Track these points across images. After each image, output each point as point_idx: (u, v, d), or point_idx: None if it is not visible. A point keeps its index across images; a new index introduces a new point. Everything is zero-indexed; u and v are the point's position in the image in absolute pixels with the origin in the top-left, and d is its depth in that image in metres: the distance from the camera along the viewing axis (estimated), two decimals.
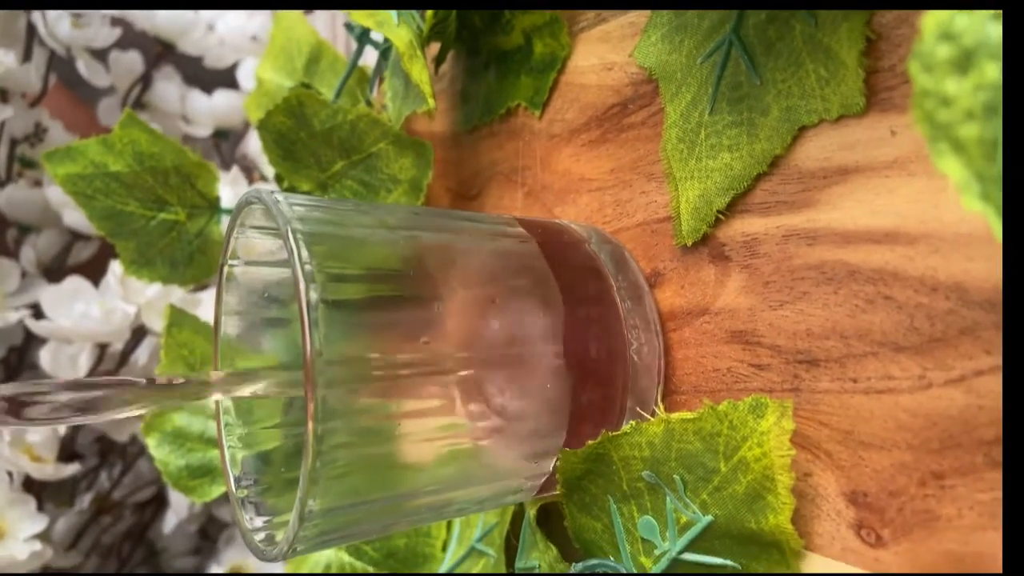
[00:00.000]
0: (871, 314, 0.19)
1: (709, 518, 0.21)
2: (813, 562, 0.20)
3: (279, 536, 0.23)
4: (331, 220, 0.21)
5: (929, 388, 0.18)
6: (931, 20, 0.12)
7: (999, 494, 0.17)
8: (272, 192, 0.21)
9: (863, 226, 0.19)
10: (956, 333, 0.17)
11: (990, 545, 0.17)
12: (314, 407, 0.18)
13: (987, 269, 0.17)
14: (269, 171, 0.59)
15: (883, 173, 0.18)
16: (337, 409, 0.19)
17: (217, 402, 0.26)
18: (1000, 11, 0.11)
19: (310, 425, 0.18)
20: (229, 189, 0.48)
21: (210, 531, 0.66)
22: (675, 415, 0.21)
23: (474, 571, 0.33)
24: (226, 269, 0.25)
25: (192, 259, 0.38)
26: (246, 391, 0.24)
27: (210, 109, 0.62)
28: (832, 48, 0.19)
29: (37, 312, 0.54)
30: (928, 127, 0.12)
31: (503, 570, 0.31)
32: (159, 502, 0.64)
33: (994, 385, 0.17)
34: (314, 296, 0.19)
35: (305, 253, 0.19)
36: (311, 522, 0.19)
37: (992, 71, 0.11)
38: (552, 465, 0.23)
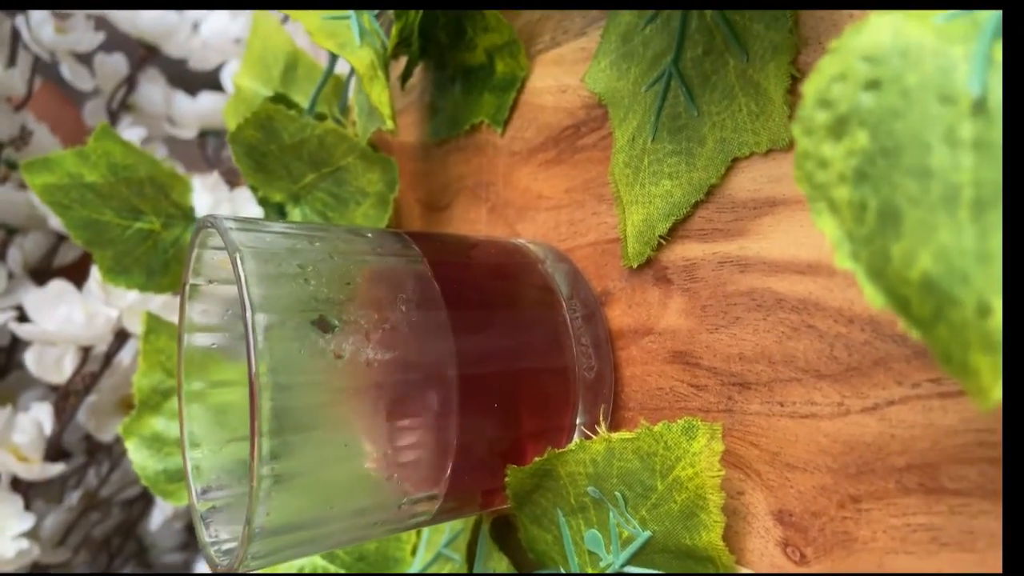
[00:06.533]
0: (796, 341, 0.20)
1: (648, 534, 0.22)
2: None
3: None
4: (281, 246, 0.22)
5: (847, 415, 0.18)
6: (811, 86, 0.13)
7: (910, 519, 0.17)
8: (227, 218, 0.22)
9: (789, 256, 0.20)
10: (871, 364, 0.18)
11: (901, 568, 0.17)
12: (259, 430, 0.19)
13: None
14: None
15: (806, 207, 0.19)
16: (282, 431, 0.19)
17: (180, 414, 0.27)
18: (875, 80, 0.12)
19: (256, 448, 0.19)
20: (209, 195, 0.48)
21: None
22: (616, 434, 0.22)
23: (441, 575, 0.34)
24: (188, 287, 0.26)
25: (168, 267, 0.39)
26: None
27: (195, 111, 0.63)
28: (761, 84, 0.20)
29: (22, 315, 0.54)
30: (808, 187, 0.13)
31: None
32: (147, 499, 0.65)
33: (905, 415, 0.17)
34: (260, 320, 0.19)
35: (252, 279, 0.20)
36: (261, 539, 0.20)
37: (862, 138, 0.12)
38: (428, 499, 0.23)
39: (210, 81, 0.63)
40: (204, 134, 0.65)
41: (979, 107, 0.10)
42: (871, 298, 0.12)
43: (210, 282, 0.26)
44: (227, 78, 0.63)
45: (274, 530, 0.20)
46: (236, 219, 0.22)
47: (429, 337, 0.22)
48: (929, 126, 0.11)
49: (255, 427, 0.19)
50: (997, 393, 0.10)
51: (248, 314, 0.19)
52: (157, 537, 0.66)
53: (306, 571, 0.38)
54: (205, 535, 0.24)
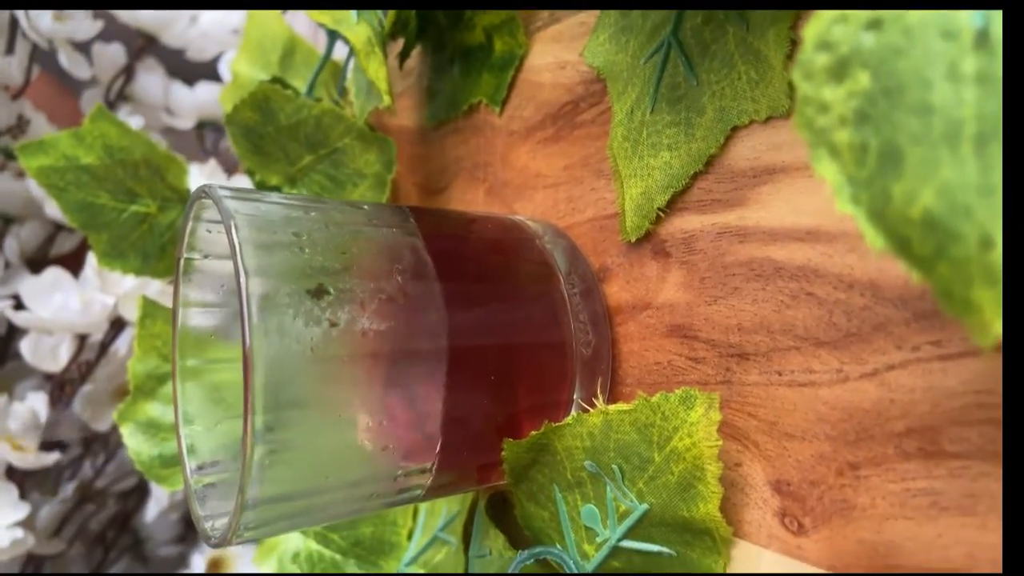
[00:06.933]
0: (795, 309, 0.19)
1: (645, 506, 0.22)
2: (742, 548, 0.21)
3: None
4: (276, 215, 0.21)
5: (846, 382, 0.18)
6: (811, 29, 0.12)
7: (909, 484, 0.17)
8: (221, 187, 0.22)
9: (788, 224, 0.20)
10: (870, 329, 0.18)
11: (899, 534, 0.17)
12: (252, 399, 0.19)
13: (900, 267, 0.17)
14: None
15: (806, 173, 0.19)
16: (276, 400, 0.19)
17: (175, 390, 0.26)
18: (876, 19, 0.12)
19: (248, 417, 0.19)
20: (206, 182, 0.48)
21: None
22: (613, 407, 0.22)
23: (436, 559, 0.34)
24: (182, 262, 0.25)
25: (164, 251, 0.39)
26: None
27: (193, 101, 0.63)
28: (761, 51, 0.20)
29: (18, 303, 0.54)
30: (808, 133, 0.12)
31: (463, 557, 0.31)
32: (142, 491, 0.65)
33: (905, 379, 0.17)
34: (254, 286, 0.19)
35: (247, 247, 0.20)
36: (254, 510, 0.20)
37: (864, 79, 0.12)
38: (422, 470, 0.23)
39: (208, 71, 0.63)
40: (202, 125, 0.64)
41: (981, 40, 0.10)
42: (871, 240, 0.11)
43: (206, 257, 0.26)
44: (225, 68, 0.63)
45: (268, 500, 0.20)
46: (231, 188, 0.22)
47: (424, 309, 0.22)
48: (931, 63, 0.11)
49: (249, 395, 0.19)
50: (999, 327, 0.10)
51: (243, 280, 0.19)
52: (153, 529, 0.66)
53: (301, 558, 0.38)
54: (199, 509, 0.23)
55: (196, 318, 0.27)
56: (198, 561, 0.62)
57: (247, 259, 0.20)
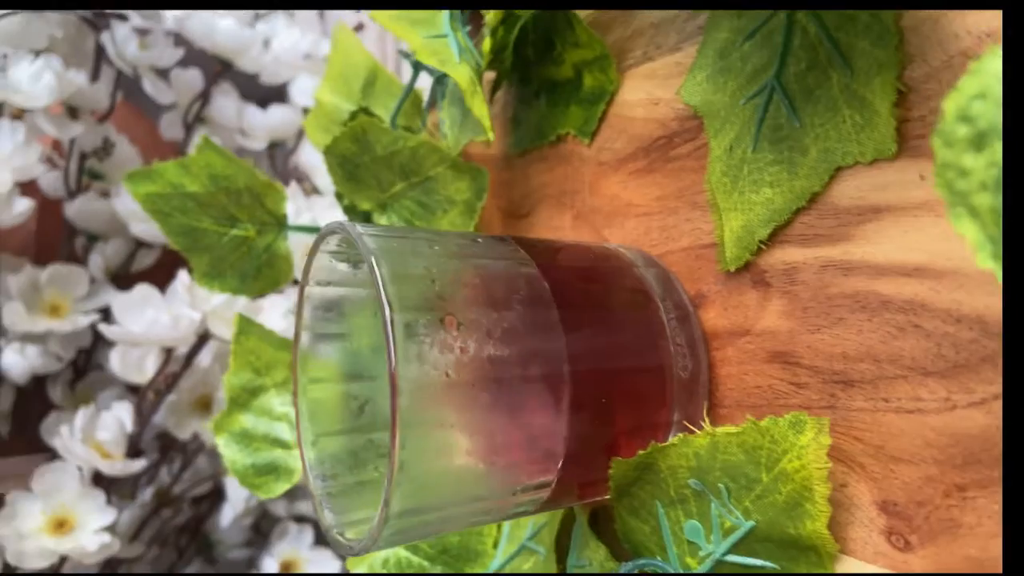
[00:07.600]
0: (902, 341, 0.21)
1: (751, 523, 0.23)
2: (847, 564, 0.22)
3: (349, 533, 0.26)
4: (406, 250, 0.23)
5: (954, 409, 0.20)
6: (952, 103, 0.14)
7: None
8: (353, 224, 0.24)
9: (895, 260, 0.21)
10: (978, 360, 0.19)
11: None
12: (398, 417, 0.20)
13: None
14: (319, 182, 0.62)
15: (913, 213, 0.20)
16: (415, 421, 0.21)
17: (296, 408, 0.28)
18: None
19: (395, 436, 0.20)
20: (290, 203, 0.51)
21: (263, 525, 0.70)
22: (720, 429, 0.23)
23: (524, 568, 0.35)
24: (306, 289, 0.27)
25: (260, 272, 0.41)
26: None
27: (265, 123, 0.65)
28: (867, 98, 0.21)
29: (107, 317, 0.57)
30: (948, 194, 0.14)
31: (552, 567, 0.33)
32: (215, 497, 0.67)
33: None
34: (397, 318, 0.21)
35: (388, 281, 0.22)
36: (391, 522, 0.22)
37: (1002, 151, 0.13)
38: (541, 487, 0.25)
39: (279, 95, 0.66)
40: (273, 145, 0.67)
41: None
42: None
43: (328, 284, 0.28)
44: (295, 92, 0.66)
45: (405, 513, 0.22)
46: (363, 225, 0.24)
47: (542, 335, 0.24)
48: None
49: (396, 416, 0.20)
50: None
51: (387, 312, 0.21)
52: (224, 534, 0.69)
53: (390, 564, 0.40)
54: (331, 519, 0.25)
55: (302, 339, 0.29)
56: (268, 564, 0.64)
57: (390, 292, 0.21)
